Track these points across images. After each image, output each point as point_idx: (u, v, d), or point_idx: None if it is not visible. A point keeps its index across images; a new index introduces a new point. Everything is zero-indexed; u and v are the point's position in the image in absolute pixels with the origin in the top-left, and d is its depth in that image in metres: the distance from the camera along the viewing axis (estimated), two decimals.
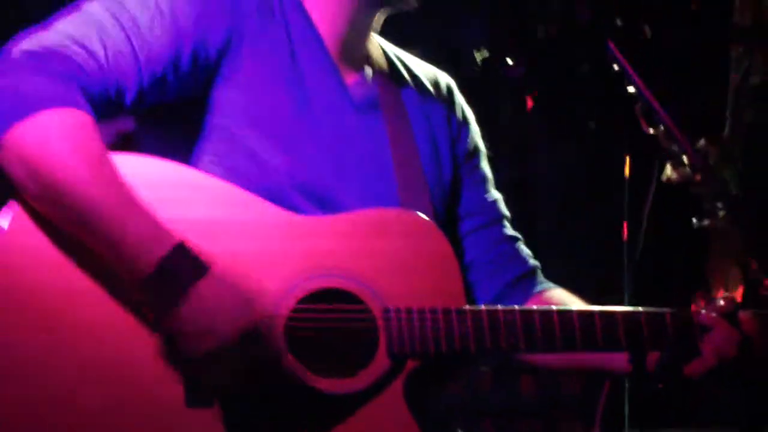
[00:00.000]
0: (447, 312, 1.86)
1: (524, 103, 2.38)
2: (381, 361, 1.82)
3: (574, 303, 2.10)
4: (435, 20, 2.21)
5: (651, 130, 1.89)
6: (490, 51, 2.29)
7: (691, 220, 1.97)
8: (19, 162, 1.69)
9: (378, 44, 2.18)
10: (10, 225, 1.77)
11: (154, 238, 1.68)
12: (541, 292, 2.17)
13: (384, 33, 2.20)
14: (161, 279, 1.68)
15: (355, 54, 2.07)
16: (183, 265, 1.68)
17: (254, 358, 1.75)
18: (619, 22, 1.88)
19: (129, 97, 1.81)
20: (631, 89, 1.87)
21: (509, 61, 2.17)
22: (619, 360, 2.03)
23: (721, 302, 1.99)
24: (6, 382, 1.70)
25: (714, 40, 2.09)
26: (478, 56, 2.28)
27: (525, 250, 2.22)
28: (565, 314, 1.92)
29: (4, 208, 1.77)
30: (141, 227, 1.68)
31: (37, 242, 1.76)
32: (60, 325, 1.74)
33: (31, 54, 1.72)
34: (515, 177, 4.38)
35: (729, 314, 1.96)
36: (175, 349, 1.73)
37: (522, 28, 2.29)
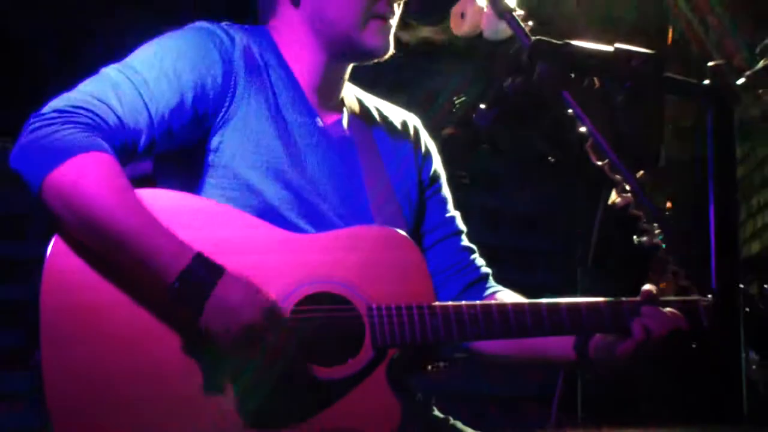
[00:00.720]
0: (420, 308, 2.00)
1: (496, 141, 2.56)
2: (367, 351, 1.97)
3: (519, 300, 2.21)
4: (425, 71, 2.38)
5: (599, 163, 2.00)
6: (467, 97, 2.47)
7: (633, 237, 2.06)
8: (60, 201, 1.85)
9: (353, 92, 2.33)
10: (53, 253, 1.90)
11: (177, 252, 1.84)
12: (492, 294, 2.32)
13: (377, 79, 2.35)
14: (188, 284, 1.83)
15: (331, 100, 2.24)
16: (203, 271, 1.85)
17: (273, 337, 1.87)
18: (572, 75, 1.92)
19: (142, 144, 1.97)
20: (582, 129, 1.95)
21: (482, 106, 2.37)
22: (565, 349, 2.16)
23: (646, 287, 2.11)
24: (66, 385, 1.85)
25: (650, 92, 2.22)
26: (457, 101, 2.48)
27: (479, 259, 2.37)
28: (518, 306, 2.08)
29: (52, 241, 1.91)
30: (165, 244, 1.84)
31: (77, 266, 1.89)
32: (101, 336, 1.88)
33: (60, 111, 1.88)
34: (488, 202, 4.50)
35: (652, 299, 2.09)
36: (207, 340, 1.85)
37: (493, 79, 2.36)
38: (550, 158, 2.87)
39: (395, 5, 2.17)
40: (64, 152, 1.84)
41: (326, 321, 1.98)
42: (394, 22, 2.19)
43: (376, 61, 2.21)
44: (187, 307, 1.84)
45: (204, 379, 1.88)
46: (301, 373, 1.92)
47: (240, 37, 2.12)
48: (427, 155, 2.40)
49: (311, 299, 1.97)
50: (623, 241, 2.11)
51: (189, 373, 1.88)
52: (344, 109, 2.27)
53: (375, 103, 2.37)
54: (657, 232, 2.01)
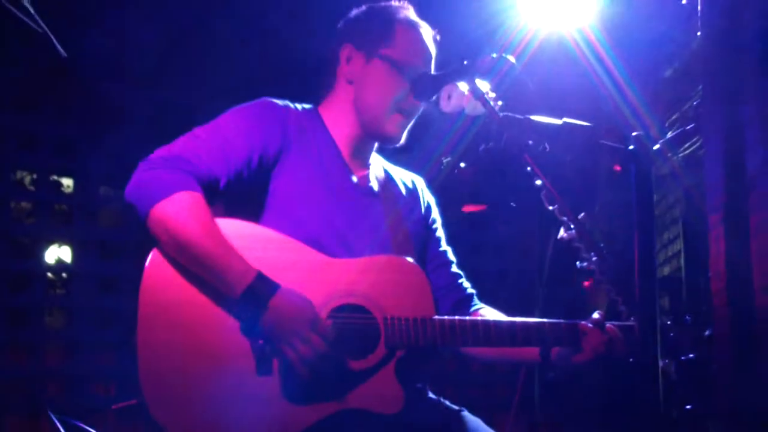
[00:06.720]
0: (423, 320, 2.16)
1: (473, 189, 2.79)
2: (381, 350, 2.14)
3: (498, 316, 2.38)
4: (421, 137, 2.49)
5: (550, 207, 2.14)
6: (451, 157, 2.73)
7: (576, 263, 2.18)
8: (161, 226, 2.04)
9: (377, 158, 2.54)
10: (151, 263, 2.09)
11: (244, 272, 2.03)
12: (477, 310, 2.50)
13: None
14: (251, 297, 2.01)
15: (361, 161, 2.44)
16: (262, 287, 2.02)
17: (313, 338, 2.02)
18: (530, 141, 2.10)
19: (222, 184, 2.17)
20: (538, 182, 2.10)
21: (462, 165, 2.59)
22: (531, 355, 2.31)
23: (595, 316, 2.26)
24: (155, 360, 2.03)
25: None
26: (444, 160, 2.75)
27: (465, 282, 2.55)
28: (498, 323, 2.23)
29: (150, 254, 2.10)
30: (236, 266, 2.03)
31: (168, 274, 2.09)
32: (184, 325, 2.06)
33: (164, 158, 2.11)
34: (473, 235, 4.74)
35: (599, 324, 2.25)
36: (265, 337, 2.02)
37: (471, 143, 2.49)
38: (512, 204, 3.06)
39: (417, 106, 2.36)
40: (167, 190, 2.04)
41: (352, 326, 2.13)
42: (411, 119, 2.38)
43: (388, 146, 2.40)
44: (249, 314, 2.03)
45: (256, 363, 2.05)
46: (332, 364, 2.09)
47: (294, 110, 2.34)
48: (429, 206, 2.60)
49: (341, 309, 2.13)
50: (569, 266, 2.22)
51: (244, 358, 2.04)
52: (371, 170, 2.47)
53: (391, 167, 2.57)
54: (594, 258, 2.13)
